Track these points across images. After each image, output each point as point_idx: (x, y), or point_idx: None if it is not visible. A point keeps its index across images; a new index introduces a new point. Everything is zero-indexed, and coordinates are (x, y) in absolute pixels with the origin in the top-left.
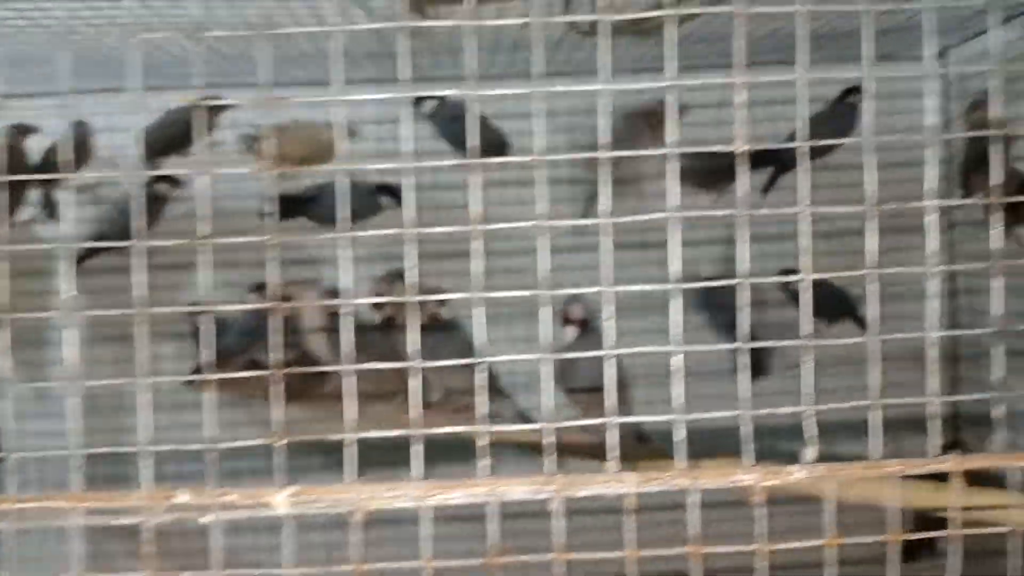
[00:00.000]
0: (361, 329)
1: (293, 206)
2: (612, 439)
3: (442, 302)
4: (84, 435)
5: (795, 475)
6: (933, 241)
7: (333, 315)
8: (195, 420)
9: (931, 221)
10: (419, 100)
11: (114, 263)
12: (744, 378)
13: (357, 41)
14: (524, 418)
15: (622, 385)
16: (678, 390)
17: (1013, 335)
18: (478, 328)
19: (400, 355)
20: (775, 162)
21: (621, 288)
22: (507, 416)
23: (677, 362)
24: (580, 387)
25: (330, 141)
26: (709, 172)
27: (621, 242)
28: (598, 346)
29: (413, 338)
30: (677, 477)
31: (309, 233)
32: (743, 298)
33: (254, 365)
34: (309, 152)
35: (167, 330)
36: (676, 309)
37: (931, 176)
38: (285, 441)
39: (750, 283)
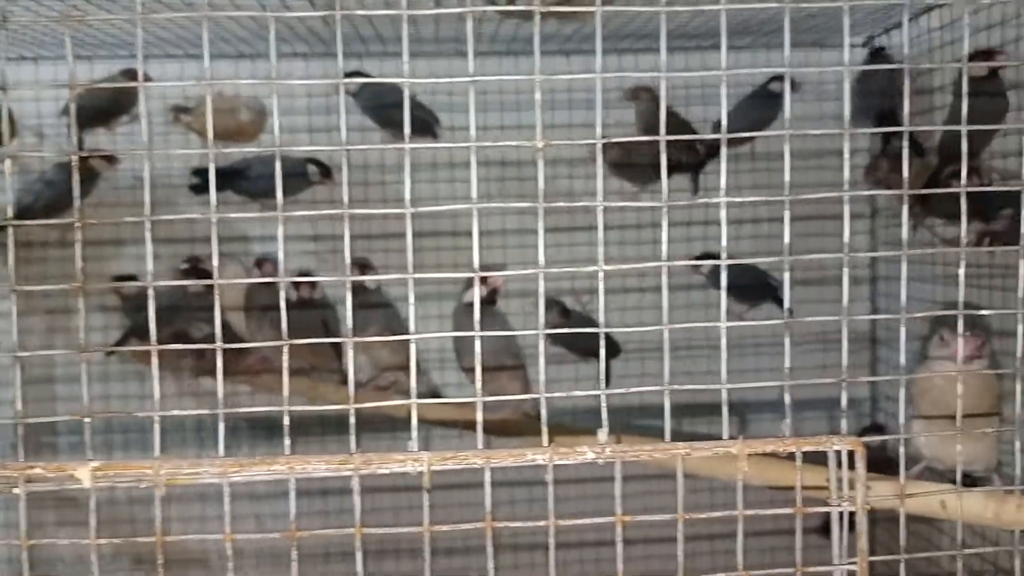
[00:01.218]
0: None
1: (220, 179)
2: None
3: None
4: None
5: (585, 455)
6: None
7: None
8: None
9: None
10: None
11: (36, 235)
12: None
13: (283, 21)
14: (437, 395)
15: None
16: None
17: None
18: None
19: (325, 330)
20: (700, 150)
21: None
22: (421, 392)
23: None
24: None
25: (252, 115)
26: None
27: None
28: (495, 320)
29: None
30: (472, 457)
31: (237, 206)
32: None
33: (179, 337)
34: (232, 125)
35: (94, 302)
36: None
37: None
38: (89, 418)
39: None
